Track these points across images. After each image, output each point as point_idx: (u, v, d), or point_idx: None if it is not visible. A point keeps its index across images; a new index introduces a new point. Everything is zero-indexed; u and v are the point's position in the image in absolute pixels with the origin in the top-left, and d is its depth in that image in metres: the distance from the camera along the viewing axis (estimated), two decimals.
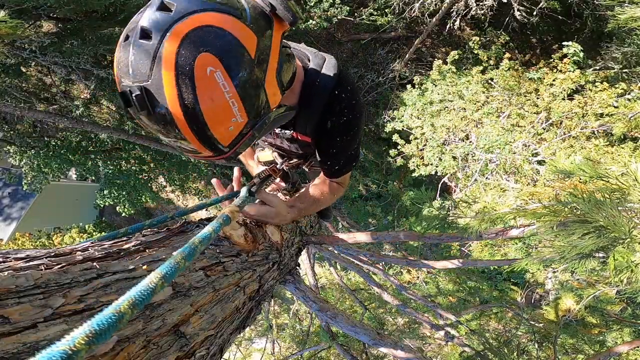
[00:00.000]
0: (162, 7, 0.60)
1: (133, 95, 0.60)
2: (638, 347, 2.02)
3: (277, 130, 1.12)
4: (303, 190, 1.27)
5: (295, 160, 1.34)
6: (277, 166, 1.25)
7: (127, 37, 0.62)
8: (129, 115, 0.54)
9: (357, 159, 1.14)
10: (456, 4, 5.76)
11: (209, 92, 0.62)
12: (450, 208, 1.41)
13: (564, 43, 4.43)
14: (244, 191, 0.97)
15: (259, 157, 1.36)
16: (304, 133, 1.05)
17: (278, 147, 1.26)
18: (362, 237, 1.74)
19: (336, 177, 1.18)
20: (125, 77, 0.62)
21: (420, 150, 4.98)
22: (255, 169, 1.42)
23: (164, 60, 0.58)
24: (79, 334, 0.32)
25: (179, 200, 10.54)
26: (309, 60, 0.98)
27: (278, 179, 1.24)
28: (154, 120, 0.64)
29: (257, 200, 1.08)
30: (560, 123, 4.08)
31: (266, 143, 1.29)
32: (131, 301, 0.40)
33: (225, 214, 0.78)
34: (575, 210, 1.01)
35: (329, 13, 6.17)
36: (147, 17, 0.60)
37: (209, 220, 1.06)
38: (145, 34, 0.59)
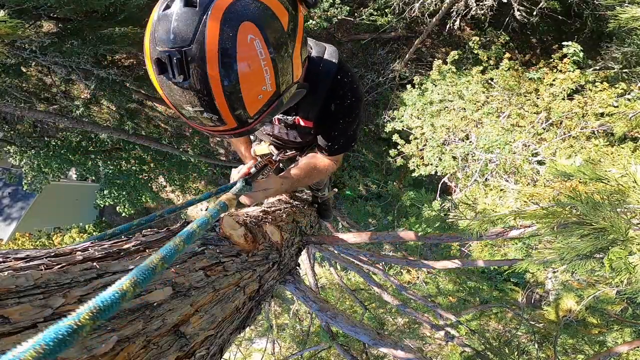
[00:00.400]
0: None
1: (174, 59, 0.62)
2: (638, 347, 2.02)
3: (280, 116, 1.15)
4: (296, 162, 1.28)
5: (291, 152, 1.39)
6: (273, 157, 1.28)
7: (167, 7, 0.64)
8: (158, 80, 0.56)
9: (355, 140, 1.19)
10: (456, 4, 5.76)
11: (248, 58, 0.65)
12: (450, 209, 1.41)
13: (564, 43, 4.43)
14: (240, 181, 1.00)
15: (256, 151, 1.39)
16: (307, 118, 1.10)
17: (276, 137, 1.29)
18: (364, 237, 1.74)
19: (334, 156, 1.22)
20: (163, 43, 0.63)
21: (420, 150, 4.98)
22: (247, 155, 1.46)
23: (208, 26, 0.61)
24: (84, 310, 0.34)
25: (178, 200, 10.54)
26: (311, 48, 1.03)
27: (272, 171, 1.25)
28: (188, 85, 0.65)
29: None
30: (560, 123, 4.08)
31: (264, 133, 1.31)
32: (133, 280, 0.41)
33: (222, 201, 0.81)
34: (574, 211, 1.01)
35: (329, 13, 6.17)
36: None
37: None
38: (189, 2, 0.62)
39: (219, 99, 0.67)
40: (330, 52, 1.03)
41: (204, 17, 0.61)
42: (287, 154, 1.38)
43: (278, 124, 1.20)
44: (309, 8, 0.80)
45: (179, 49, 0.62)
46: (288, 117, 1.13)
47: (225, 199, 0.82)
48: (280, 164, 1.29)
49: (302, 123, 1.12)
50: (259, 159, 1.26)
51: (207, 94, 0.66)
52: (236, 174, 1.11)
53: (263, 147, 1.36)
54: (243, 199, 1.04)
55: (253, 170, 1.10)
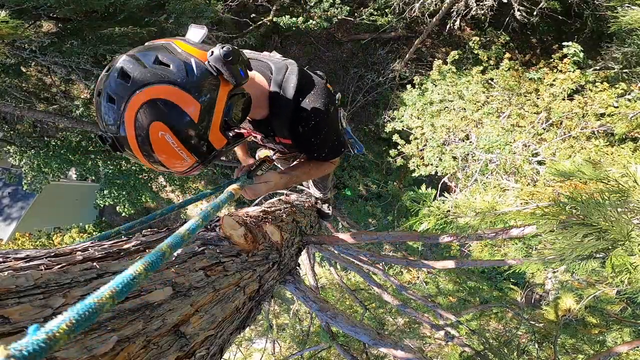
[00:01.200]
0: (123, 75, 0.74)
1: (108, 140, 0.80)
2: (638, 347, 2.02)
3: (264, 141, 1.30)
4: (296, 161, 1.45)
5: (289, 154, 1.52)
6: (271, 156, 1.40)
7: (99, 93, 0.78)
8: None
9: (342, 147, 1.28)
10: (456, 4, 5.76)
11: (162, 148, 0.80)
12: (450, 208, 1.41)
13: (564, 43, 4.43)
14: (243, 175, 1.14)
15: (259, 155, 1.56)
16: (284, 136, 1.15)
17: (272, 148, 1.46)
18: (362, 236, 1.74)
19: (326, 161, 1.32)
20: (100, 125, 0.80)
21: (420, 150, 4.98)
22: (246, 159, 1.58)
23: (126, 125, 0.76)
24: (105, 290, 0.40)
25: (178, 200, 10.55)
26: (271, 72, 1.07)
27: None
28: (126, 155, 0.83)
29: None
30: (561, 123, 4.08)
31: (263, 145, 1.46)
32: (146, 264, 0.47)
33: (229, 191, 0.91)
34: (575, 211, 1.01)
35: (329, 13, 6.16)
36: (110, 83, 0.75)
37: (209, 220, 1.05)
38: (111, 98, 0.75)
39: (155, 167, 0.87)
40: (290, 75, 1.05)
41: (123, 115, 0.75)
42: (284, 155, 1.50)
43: (268, 143, 1.31)
44: (237, 84, 0.84)
45: (111, 134, 0.79)
46: (270, 140, 1.24)
47: (232, 189, 0.93)
48: (277, 162, 1.40)
49: (282, 140, 1.18)
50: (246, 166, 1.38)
51: (142, 163, 0.85)
52: (238, 171, 1.22)
53: (266, 152, 1.53)
54: (247, 192, 1.15)
55: (254, 166, 1.21)
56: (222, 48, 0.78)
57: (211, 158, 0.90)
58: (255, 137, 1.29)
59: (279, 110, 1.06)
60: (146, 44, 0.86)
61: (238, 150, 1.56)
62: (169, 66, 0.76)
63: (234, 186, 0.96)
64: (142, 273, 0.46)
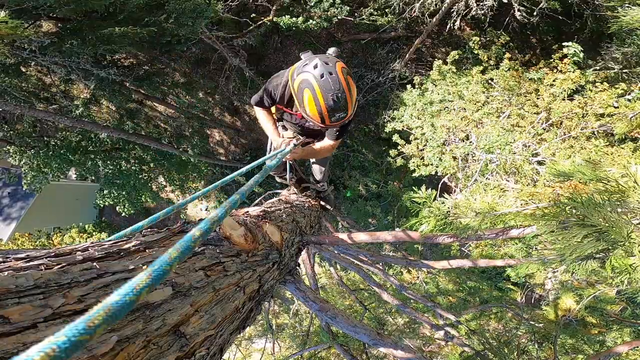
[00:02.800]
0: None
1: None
2: (638, 347, 2.02)
3: (290, 120, 2.01)
4: (313, 143, 2.09)
5: (307, 138, 2.10)
6: (297, 137, 2.02)
7: (321, 75, 1.41)
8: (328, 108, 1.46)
9: (347, 130, 1.97)
10: (456, 4, 5.76)
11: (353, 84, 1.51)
12: (450, 208, 1.41)
13: (564, 43, 4.43)
14: (292, 143, 1.84)
15: (284, 135, 2.05)
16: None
17: (301, 127, 2.05)
18: (362, 236, 1.74)
19: (334, 140, 1.94)
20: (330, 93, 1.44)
21: (420, 150, 4.98)
22: (273, 132, 2.09)
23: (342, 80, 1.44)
24: (143, 276, 0.38)
25: (178, 200, 10.54)
26: None
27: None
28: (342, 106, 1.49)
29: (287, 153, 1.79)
30: (560, 123, 4.08)
31: (293, 125, 2.07)
32: (177, 251, 0.45)
33: (291, 147, 1.73)
34: (575, 212, 1.01)
35: (329, 13, 6.16)
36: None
37: None
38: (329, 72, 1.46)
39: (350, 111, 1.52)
40: None
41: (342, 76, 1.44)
42: (307, 138, 2.09)
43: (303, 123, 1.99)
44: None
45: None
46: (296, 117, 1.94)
47: (290, 148, 1.69)
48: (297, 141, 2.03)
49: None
50: (288, 139, 1.97)
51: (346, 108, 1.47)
52: (280, 140, 1.91)
53: (289, 133, 2.06)
54: (293, 153, 1.82)
55: (294, 141, 1.84)
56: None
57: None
58: (303, 117, 1.78)
59: None
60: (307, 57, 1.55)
61: (269, 123, 2.06)
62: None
63: (291, 146, 1.69)
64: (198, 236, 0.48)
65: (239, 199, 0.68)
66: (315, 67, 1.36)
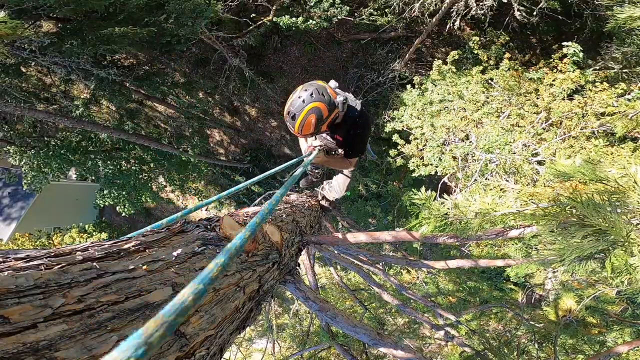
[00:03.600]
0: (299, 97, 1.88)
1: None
2: (638, 347, 2.02)
3: (326, 135, 2.31)
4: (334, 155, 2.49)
5: (332, 148, 2.44)
6: (322, 147, 2.28)
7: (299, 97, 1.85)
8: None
9: (362, 151, 2.27)
10: (456, 4, 5.76)
11: (308, 125, 1.91)
12: (450, 209, 1.41)
13: (563, 43, 4.42)
14: (317, 149, 2.06)
15: (313, 144, 2.36)
16: (340, 135, 2.17)
17: (326, 139, 2.38)
18: (362, 237, 1.74)
19: (350, 158, 2.29)
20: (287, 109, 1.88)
21: (420, 150, 4.98)
22: (306, 145, 2.47)
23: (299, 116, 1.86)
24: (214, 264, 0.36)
25: (178, 200, 10.54)
26: (351, 101, 2.10)
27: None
28: (287, 123, 1.93)
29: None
30: (560, 123, 4.08)
31: (321, 137, 2.44)
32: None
33: (315, 151, 2.00)
34: (574, 212, 1.01)
35: (329, 13, 6.16)
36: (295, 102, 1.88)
37: (209, 220, 1.06)
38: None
39: (297, 131, 1.89)
40: (358, 104, 2.12)
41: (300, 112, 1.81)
42: (331, 147, 2.41)
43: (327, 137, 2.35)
44: (341, 110, 1.96)
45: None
46: (329, 136, 2.28)
47: (316, 151, 2.00)
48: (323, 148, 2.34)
49: (336, 137, 2.20)
50: (312, 146, 2.28)
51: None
52: (307, 147, 2.25)
53: (317, 142, 2.34)
54: (318, 158, 2.11)
55: (318, 148, 2.09)
56: (343, 101, 1.89)
57: (317, 133, 1.91)
58: (325, 131, 2.08)
59: (347, 122, 2.08)
60: (312, 83, 1.88)
61: (303, 141, 2.51)
62: (324, 97, 1.82)
63: (316, 152, 1.98)
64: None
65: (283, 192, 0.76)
66: (306, 90, 1.84)
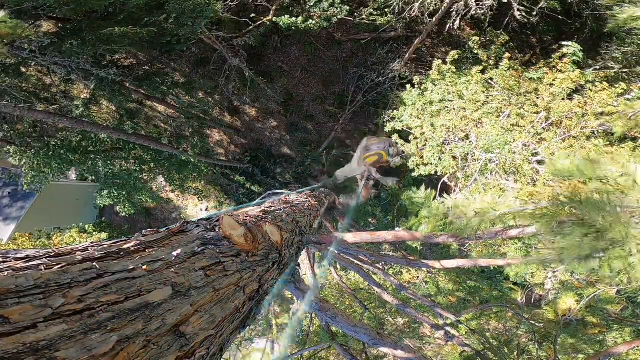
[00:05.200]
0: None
1: None
2: (638, 347, 2.02)
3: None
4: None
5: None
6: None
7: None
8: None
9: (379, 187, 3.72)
10: (456, 4, 5.75)
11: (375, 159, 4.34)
12: (449, 208, 1.41)
13: (563, 43, 4.42)
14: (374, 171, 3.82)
15: (366, 162, 3.56)
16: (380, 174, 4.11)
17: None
18: (364, 236, 1.74)
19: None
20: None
21: (420, 150, 4.98)
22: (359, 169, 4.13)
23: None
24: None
25: (178, 200, 10.54)
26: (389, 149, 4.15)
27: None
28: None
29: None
30: (560, 123, 4.08)
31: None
32: None
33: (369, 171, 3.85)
34: (574, 211, 1.01)
35: (328, 13, 6.16)
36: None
37: (209, 220, 1.06)
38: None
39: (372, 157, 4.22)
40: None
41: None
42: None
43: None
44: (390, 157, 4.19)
45: None
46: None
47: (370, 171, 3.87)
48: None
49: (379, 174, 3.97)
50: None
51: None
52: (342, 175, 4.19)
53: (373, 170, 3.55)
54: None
55: (374, 170, 3.81)
56: (395, 156, 4.18)
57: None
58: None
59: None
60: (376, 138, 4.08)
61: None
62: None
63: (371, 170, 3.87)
64: None
65: None
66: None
